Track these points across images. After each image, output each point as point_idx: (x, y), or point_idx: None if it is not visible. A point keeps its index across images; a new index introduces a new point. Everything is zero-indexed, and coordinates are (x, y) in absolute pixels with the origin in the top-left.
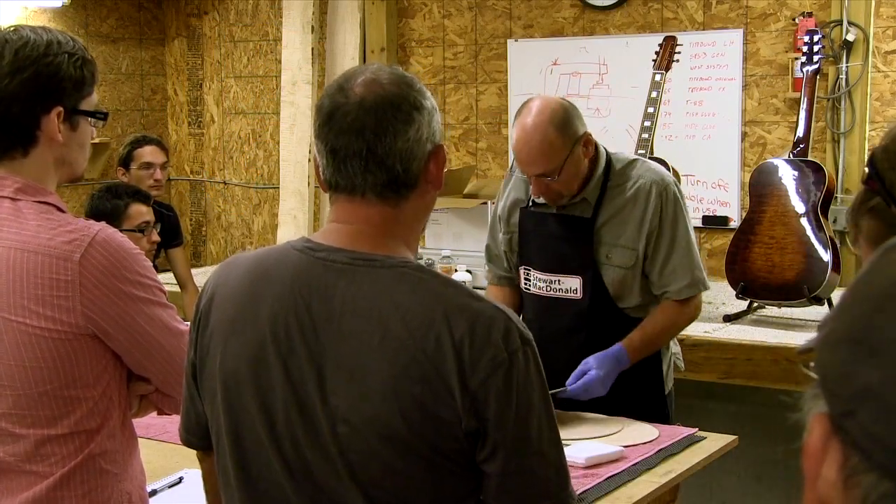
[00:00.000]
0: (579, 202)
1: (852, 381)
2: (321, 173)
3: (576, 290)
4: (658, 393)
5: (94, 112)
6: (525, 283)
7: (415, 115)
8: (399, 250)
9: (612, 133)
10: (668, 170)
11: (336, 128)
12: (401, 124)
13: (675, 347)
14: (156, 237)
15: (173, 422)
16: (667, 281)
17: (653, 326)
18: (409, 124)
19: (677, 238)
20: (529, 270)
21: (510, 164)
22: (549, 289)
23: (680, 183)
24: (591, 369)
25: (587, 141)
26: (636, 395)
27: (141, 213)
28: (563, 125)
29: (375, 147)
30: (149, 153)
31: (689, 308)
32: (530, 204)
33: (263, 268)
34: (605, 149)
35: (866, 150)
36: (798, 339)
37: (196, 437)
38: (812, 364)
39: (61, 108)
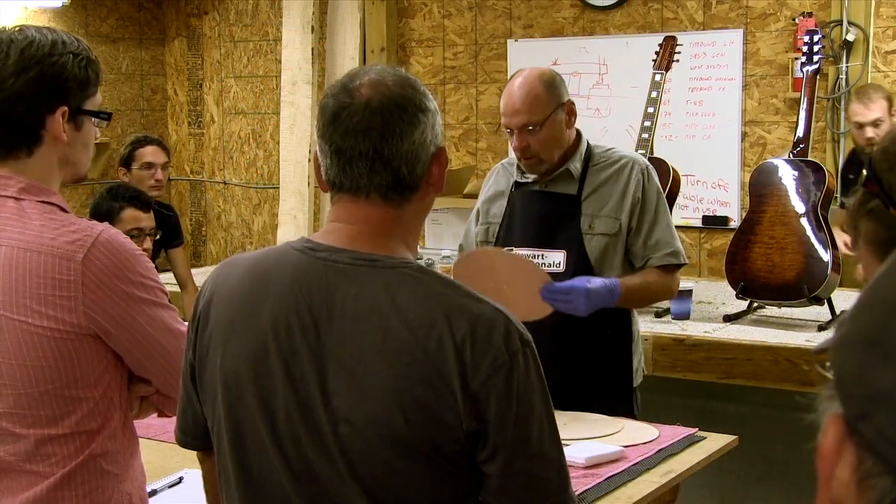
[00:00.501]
0: (563, 174)
1: (868, 383)
2: (324, 173)
3: (559, 263)
4: (626, 384)
5: (97, 112)
6: None
7: (420, 117)
8: (399, 250)
9: (612, 133)
10: (668, 170)
11: (342, 128)
12: (407, 126)
13: (640, 349)
14: (147, 245)
15: (174, 422)
16: (651, 252)
17: (643, 279)
18: (415, 126)
19: (659, 212)
20: (512, 251)
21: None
22: None
23: (680, 183)
24: (581, 281)
25: (570, 110)
26: (606, 384)
27: (135, 218)
28: (549, 84)
29: (382, 148)
30: (150, 153)
31: (671, 280)
32: (513, 188)
33: (263, 268)
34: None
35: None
36: (798, 339)
37: (193, 437)
38: (828, 364)
39: (66, 108)
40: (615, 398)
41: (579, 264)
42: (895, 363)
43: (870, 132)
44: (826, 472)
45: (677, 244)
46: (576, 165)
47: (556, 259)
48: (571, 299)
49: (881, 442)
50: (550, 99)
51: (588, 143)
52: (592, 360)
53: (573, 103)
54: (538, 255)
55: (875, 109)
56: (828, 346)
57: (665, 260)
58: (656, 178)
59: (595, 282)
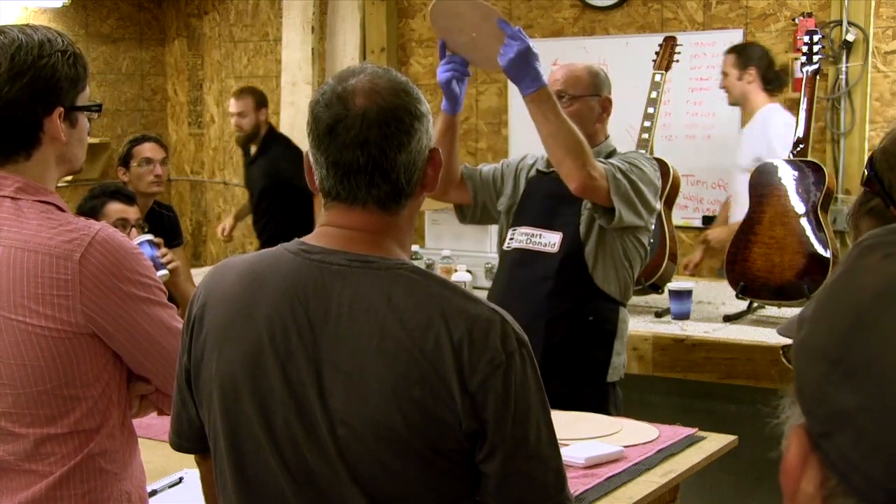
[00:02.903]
0: None
1: (829, 402)
2: (318, 182)
3: (554, 244)
4: (599, 377)
5: (89, 106)
6: (508, 242)
7: (416, 126)
8: (394, 252)
9: (613, 133)
10: (668, 170)
11: (339, 141)
12: (404, 136)
13: (624, 349)
14: (134, 235)
15: None
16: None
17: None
18: (412, 136)
19: (630, 164)
20: (515, 229)
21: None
22: (528, 242)
23: (680, 183)
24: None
25: (605, 106)
26: (576, 373)
27: (118, 210)
28: (594, 73)
29: (381, 161)
30: (148, 149)
31: (597, 166)
32: (535, 174)
33: (257, 271)
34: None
35: (866, 151)
36: None
37: (188, 441)
38: (790, 360)
39: (61, 108)
40: (583, 388)
41: (571, 247)
42: (856, 383)
43: None
44: (791, 488)
45: (620, 177)
46: None
47: (552, 240)
48: (515, 41)
49: (844, 463)
50: (590, 84)
51: (615, 149)
52: (568, 344)
53: (610, 102)
54: (537, 234)
55: None
56: (788, 334)
57: (608, 164)
58: (651, 163)
59: (536, 56)
